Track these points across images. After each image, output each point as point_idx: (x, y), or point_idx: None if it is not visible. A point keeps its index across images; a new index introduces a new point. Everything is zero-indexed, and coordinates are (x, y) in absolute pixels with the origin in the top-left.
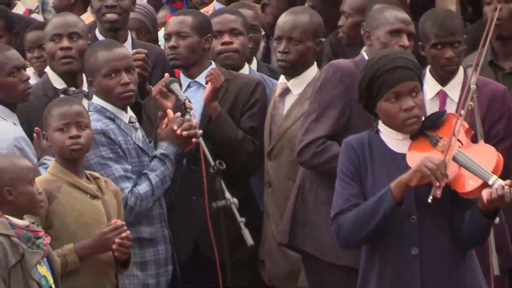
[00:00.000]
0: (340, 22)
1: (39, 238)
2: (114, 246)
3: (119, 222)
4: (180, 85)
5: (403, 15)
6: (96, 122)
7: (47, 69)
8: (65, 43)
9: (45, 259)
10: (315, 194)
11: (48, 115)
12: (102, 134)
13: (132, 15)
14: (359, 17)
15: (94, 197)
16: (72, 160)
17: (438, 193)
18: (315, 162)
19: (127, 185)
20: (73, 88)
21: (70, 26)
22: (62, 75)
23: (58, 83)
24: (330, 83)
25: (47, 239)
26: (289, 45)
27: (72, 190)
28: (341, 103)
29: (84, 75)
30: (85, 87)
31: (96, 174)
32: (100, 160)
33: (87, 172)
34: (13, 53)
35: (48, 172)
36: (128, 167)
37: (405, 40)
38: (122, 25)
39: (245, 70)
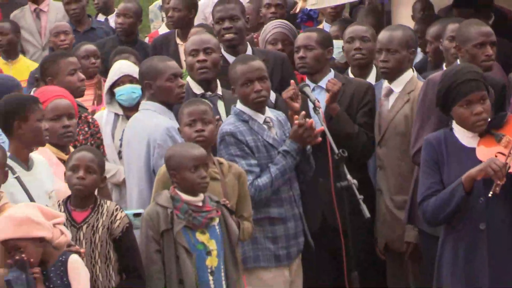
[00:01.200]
0: (427, 49)
1: (202, 212)
2: None
3: None
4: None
5: (485, 28)
6: (228, 125)
7: (188, 78)
8: (201, 56)
9: (216, 228)
10: None
11: (180, 113)
12: (231, 135)
13: (278, 29)
14: (438, 42)
15: (214, 178)
16: None
17: (498, 189)
18: None
19: (249, 178)
20: (209, 93)
21: (205, 42)
22: (200, 82)
23: (197, 89)
24: (428, 97)
25: (213, 214)
26: (388, 55)
27: None
28: (438, 111)
29: (218, 81)
30: (219, 91)
31: (222, 160)
32: (229, 157)
33: (215, 158)
34: (173, 63)
35: None
36: (253, 162)
37: (489, 50)
38: (239, 41)
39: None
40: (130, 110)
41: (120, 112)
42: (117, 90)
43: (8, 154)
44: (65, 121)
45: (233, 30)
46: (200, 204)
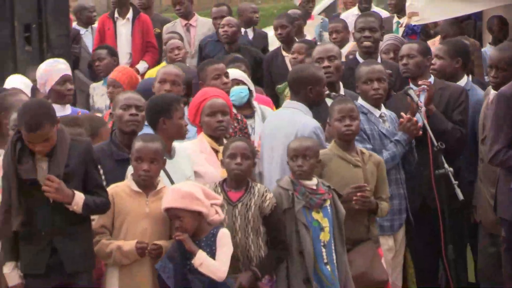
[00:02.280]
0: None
1: (317, 194)
2: None
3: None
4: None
5: None
6: None
7: None
8: (326, 63)
9: (328, 208)
10: (506, 180)
11: (331, 109)
12: None
13: (391, 41)
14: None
15: (355, 166)
16: (345, 141)
17: None
18: (505, 166)
19: None
20: (333, 93)
21: (328, 51)
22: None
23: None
24: (499, 108)
25: (326, 196)
26: (498, 71)
27: (340, 161)
28: (510, 120)
29: (340, 83)
30: (341, 92)
31: (364, 150)
32: None
33: (358, 147)
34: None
35: (327, 148)
36: (368, 146)
37: None
38: (374, 49)
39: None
40: (241, 109)
41: (234, 111)
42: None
43: None
44: (219, 117)
45: (371, 39)
46: (315, 187)
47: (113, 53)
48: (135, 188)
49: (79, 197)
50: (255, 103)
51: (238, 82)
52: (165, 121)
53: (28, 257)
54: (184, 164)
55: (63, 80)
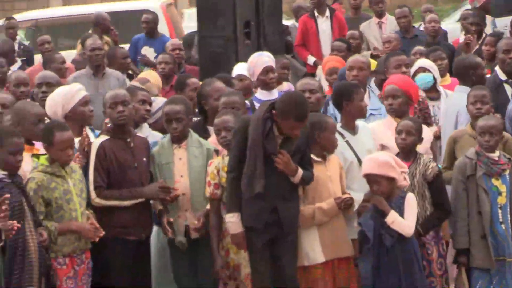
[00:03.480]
0: None
1: (498, 164)
2: None
3: None
4: None
5: None
6: None
7: (496, 67)
8: None
9: (506, 176)
10: None
11: (468, 95)
12: None
13: None
14: None
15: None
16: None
17: None
18: None
19: None
20: (511, 80)
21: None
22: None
23: (502, 76)
24: None
25: (505, 166)
26: None
27: (469, 139)
28: None
29: None
30: None
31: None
32: None
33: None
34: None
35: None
36: None
37: None
38: None
39: None
40: (428, 92)
41: (423, 93)
42: (415, 79)
43: (339, 124)
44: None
45: None
46: (496, 158)
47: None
48: (316, 158)
49: (300, 172)
50: (440, 88)
51: (424, 69)
52: (348, 104)
53: (251, 212)
54: (366, 139)
55: (266, 70)
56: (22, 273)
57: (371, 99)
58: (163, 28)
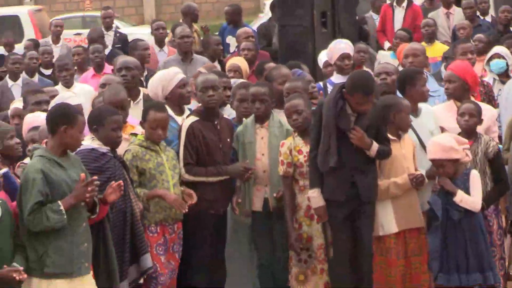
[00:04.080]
0: None
1: None
2: None
3: None
4: None
5: None
6: None
7: None
8: None
9: None
10: None
11: None
12: None
13: None
14: None
15: None
16: None
17: None
18: None
19: None
20: None
21: None
22: None
23: None
24: None
25: None
26: None
27: None
28: None
29: None
30: None
31: None
32: None
33: None
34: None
35: None
36: None
37: None
38: None
39: None
40: (501, 76)
41: (497, 77)
42: (490, 63)
43: None
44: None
45: None
46: None
47: None
48: (392, 137)
49: (375, 145)
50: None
51: (499, 56)
52: (410, 89)
53: (331, 187)
54: (428, 121)
55: (342, 57)
56: (136, 240)
57: (429, 82)
58: (29, 31)
